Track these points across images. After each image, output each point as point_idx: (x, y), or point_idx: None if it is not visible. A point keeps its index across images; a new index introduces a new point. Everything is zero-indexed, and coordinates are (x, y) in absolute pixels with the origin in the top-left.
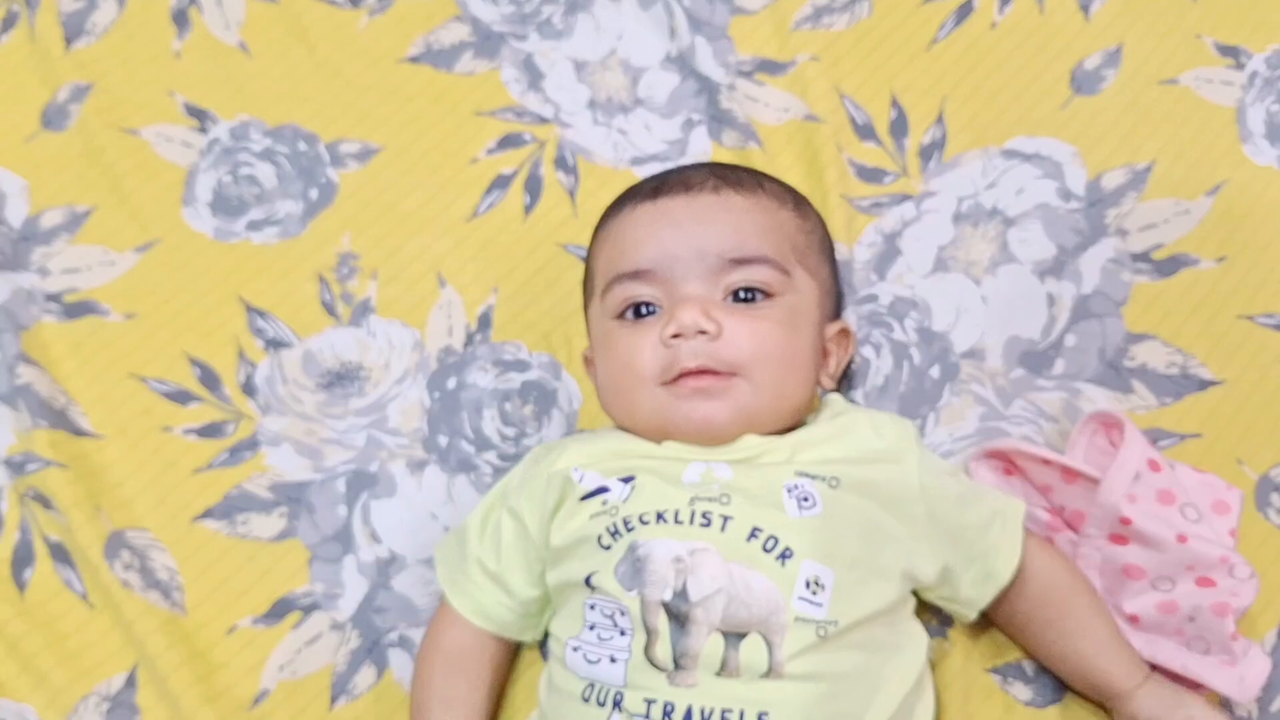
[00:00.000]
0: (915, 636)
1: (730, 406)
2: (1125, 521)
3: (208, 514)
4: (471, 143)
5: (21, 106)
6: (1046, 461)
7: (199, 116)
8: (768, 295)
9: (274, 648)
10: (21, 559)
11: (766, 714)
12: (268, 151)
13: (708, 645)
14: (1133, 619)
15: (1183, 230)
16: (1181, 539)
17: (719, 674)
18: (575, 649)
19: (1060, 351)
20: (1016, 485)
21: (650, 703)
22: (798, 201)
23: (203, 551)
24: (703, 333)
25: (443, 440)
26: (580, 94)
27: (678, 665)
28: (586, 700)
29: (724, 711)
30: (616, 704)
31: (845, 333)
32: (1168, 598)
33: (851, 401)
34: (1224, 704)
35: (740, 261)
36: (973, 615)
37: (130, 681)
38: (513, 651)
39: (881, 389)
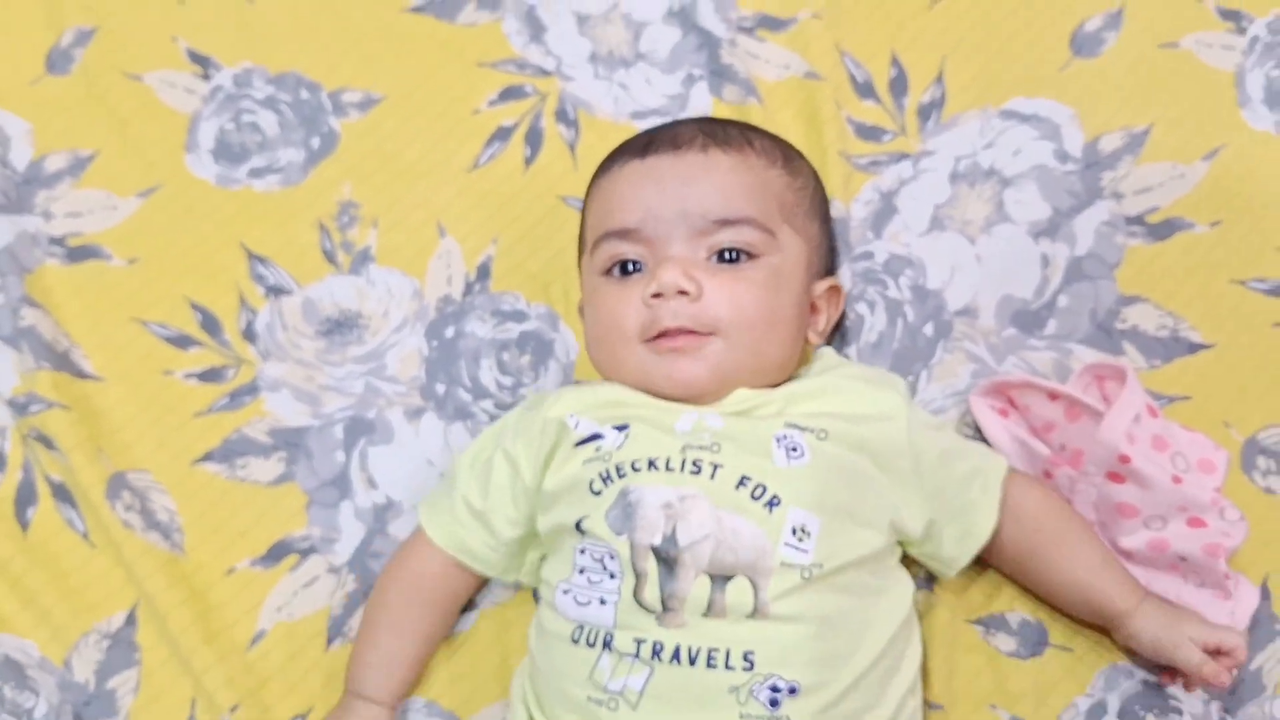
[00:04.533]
0: (901, 581)
1: (708, 365)
2: (1124, 460)
3: (207, 457)
4: (473, 94)
5: (26, 50)
6: (1051, 396)
7: (202, 63)
8: (751, 256)
9: (271, 589)
10: (24, 498)
11: (752, 653)
12: (270, 99)
13: (695, 588)
14: (1128, 554)
15: (1178, 194)
16: (1177, 480)
17: (706, 615)
18: (565, 592)
19: (1053, 312)
20: (1016, 424)
21: (640, 642)
22: (788, 158)
23: (202, 494)
24: (683, 293)
25: (440, 388)
26: (582, 47)
27: (665, 607)
28: (576, 642)
29: (710, 650)
30: (606, 644)
31: (835, 289)
32: (1159, 536)
33: (844, 356)
34: None
35: (724, 223)
36: (953, 574)
37: (130, 620)
38: (474, 587)
39: (875, 345)
